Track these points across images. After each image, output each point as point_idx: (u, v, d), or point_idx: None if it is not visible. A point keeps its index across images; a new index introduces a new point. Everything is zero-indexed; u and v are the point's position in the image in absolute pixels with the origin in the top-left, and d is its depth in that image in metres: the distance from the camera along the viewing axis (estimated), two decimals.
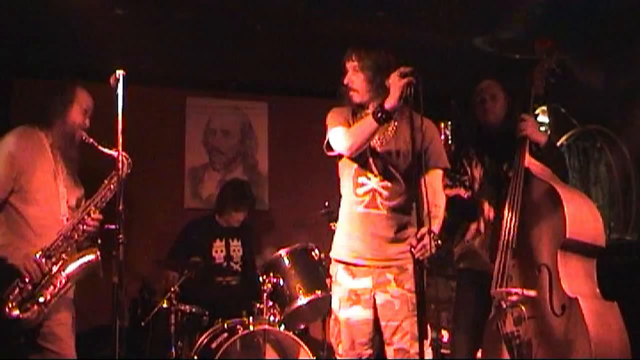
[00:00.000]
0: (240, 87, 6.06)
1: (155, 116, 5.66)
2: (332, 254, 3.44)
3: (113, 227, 3.38)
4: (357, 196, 3.34)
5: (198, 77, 5.86)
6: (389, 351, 3.30)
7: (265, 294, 4.33)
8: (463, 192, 3.92)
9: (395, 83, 3.05)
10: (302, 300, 4.36)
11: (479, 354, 3.79)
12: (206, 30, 4.88)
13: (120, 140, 3.16)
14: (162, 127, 5.73)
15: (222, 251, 5.23)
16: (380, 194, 3.31)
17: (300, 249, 4.54)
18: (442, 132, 5.88)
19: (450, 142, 5.90)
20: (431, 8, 4.48)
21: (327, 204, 4.81)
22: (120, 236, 3.08)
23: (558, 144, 5.48)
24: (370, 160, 3.33)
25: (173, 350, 4.46)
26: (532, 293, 3.40)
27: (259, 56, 5.30)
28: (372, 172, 3.33)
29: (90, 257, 3.60)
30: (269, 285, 4.34)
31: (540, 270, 3.41)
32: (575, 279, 3.37)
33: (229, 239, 5.28)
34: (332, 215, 4.81)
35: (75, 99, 3.61)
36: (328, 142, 3.38)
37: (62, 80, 3.67)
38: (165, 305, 4.50)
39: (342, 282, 3.35)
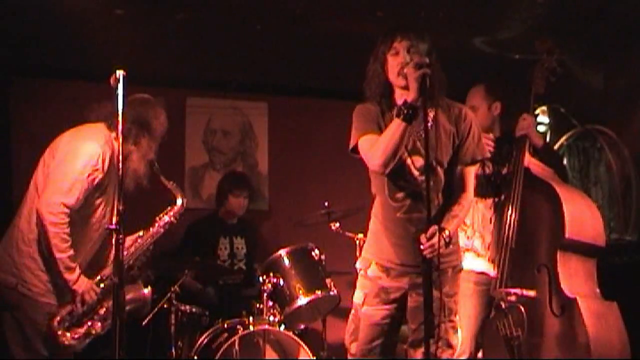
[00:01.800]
0: (240, 87, 6.05)
1: None
2: (368, 255, 3.18)
3: (113, 227, 3.38)
4: (396, 201, 3.06)
5: (198, 77, 5.86)
6: (417, 354, 3.09)
7: (265, 294, 4.33)
8: None
9: (412, 75, 2.85)
10: (302, 300, 4.36)
11: (479, 355, 3.79)
12: (206, 30, 4.88)
13: (121, 140, 3.15)
14: None
15: (226, 249, 5.26)
16: (421, 196, 2.99)
17: (300, 249, 4.54)
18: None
19: None
20: (431, 8, 4.48)
21: (327, 204, 4.82)
22: (121, 236, 3.07)
23: (558, 144, 5.49)
24: (410, 159, 3.05)
25: (173, 350, 4.46)
26: (531, 293, 3.40)
27: (259, 56, 5.31)
28: (411, 173, 3.05)
29: (143, 291, 3.58)
30: (269, 285, 4.34)
31: (540, 270, 3.41)
32: (575, 279, 3.37)
33: (232, 237, 5.30)
34: (332, 215, 4.82)
35: (163, 121, 3.46)
36: (355, 147, 3.08)
37: (156, 99, 3.50)
38: (165, 305, 4.50)
39: (374, 278, 3.12)
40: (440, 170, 3.06)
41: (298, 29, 4.86)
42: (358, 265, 3.25)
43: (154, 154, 3.41)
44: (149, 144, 3.46)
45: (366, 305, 3.13)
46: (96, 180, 3.30)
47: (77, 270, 3.30)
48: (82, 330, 3.38)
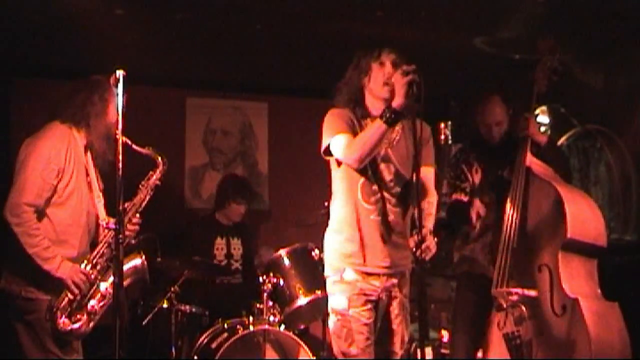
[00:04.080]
0: (240, 87, 6.06)
1: (155, 116, 5.66)
2: (337, 262, 3.25)
3: (113, 227, 3.39)
4: (369, 204, 3.20)
5: (198, 77, 5.86)
6: (377, 352, 3.22)
7: (265, 294, 4.33)
8: (463, 197, 3.91)
9: (399, 81, 2.99)
10: (302, 300, 4.37)
11: (479, 354, 3.79)
12: (206, 30, 4.88)
13: (121, 140, 3.15)
14: (162, 127, 5.73)
15: (222, 249, 5.26)
16: (390, 201, 3.22)
17: (300, 249, 4.54)
18: (442, 132, 5.86)
19: (450, 142, 5.89)
20: (431, 8, 4.48)
21: (327, 204, 4.80)
22: (121, 236, 3.08)
23: (558, 144, 5.48)
24: (382, 166, 3.23)
25: (173, 350, 4.46)
26: (532, 293, 3.40)
27: (259, 56, 5.31)
28: (383, 179, 3.22)
29: (135, 262, 3.61)
30: (269, 285, 4.34)
31: (541, 270, 3.41)
32: (576, 280, 3.37)
33: (229, 237, 5.30)
34: None
35: (113, 95, 3.40)
36: (327, 148, 3.22)
37: (97, 77, 3.53)
38: (165, 305, 4.50)
39: (352, 281, 3.20)
40: (407, 180, 3.24)
41: (298, 29, 4.86)
42: (328, 273, 3.29)
43: (115, 128, 3.30)
44: (101, 122, 3.50)
45: (352, 308, 3.19)
46: (54, 173, 3.36)
47: (57, 259, 3.33)
48: (83, 314, 3.42)
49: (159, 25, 4.78)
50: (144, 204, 3.63)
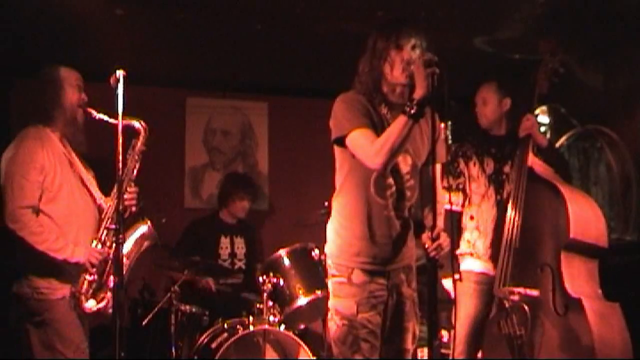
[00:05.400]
0: (240, 87, 6.06)
1: (155, 116, 5.63)
2: (343, 261, 3.07)
3: (113, 227, 3.38)
4: (383, 198, 3.01)
5: (198, 77, 5.86)
6: (388, 350, 3.10)
7: (265, 294, 4.33)
8: (457, 202, 3.91)
9: (421, 72, 2.81)
10: (302, 300, 4.37)
11: (479, 355, 3.79)
12: (206, 30, 4.88)
13: (120, 140, 3.15)
14: (162, 127, 5.72)
15: (227, 248, 5.29)
16: (404, 195, 3.04)
17: (300, 249, 4.54)
18: (442, 132, 5.86)
19: (450, 142, 5.88)
20: (431, 8, 4.48)
21: (327, 203, 4.81)
22: (121, 236, 3.08)
23: (558, 144, 5.49)
24: (400, 157, 3.00)
25: (173, 350, 4.46)
26: (534, 293, 3.40)
27: (259, 56, 5.31)
28: (399, 171, 3.03)
29: (142, 229, 3.60)
30: (269, 285, 4.34)
31: (543, 270, 3.41)
32: (578, 280, 3.37)
33: (233, 237, 5.33)
34: None
35: (63, 80, 3.48)
36: (341, 139, 2.98)
37: (46, 67, 3.52)
38: (165, 305, 4.50)
39: (360, 284, 3.02)
40: (419, 173, 3.11)
41: (298, 29, 4.86)
42: (333, 273, 3.10)
43: (77, 106, 3.45)
44: (62, 107, 3.48)
45: (360, 313, 3.01)
46: (36, 171, 3.36)
47: (69, 246, 3.34)
48: (106, 292, 3.41)
49: (159, 25, 4.79)
50: (135, 172, 3.56)
